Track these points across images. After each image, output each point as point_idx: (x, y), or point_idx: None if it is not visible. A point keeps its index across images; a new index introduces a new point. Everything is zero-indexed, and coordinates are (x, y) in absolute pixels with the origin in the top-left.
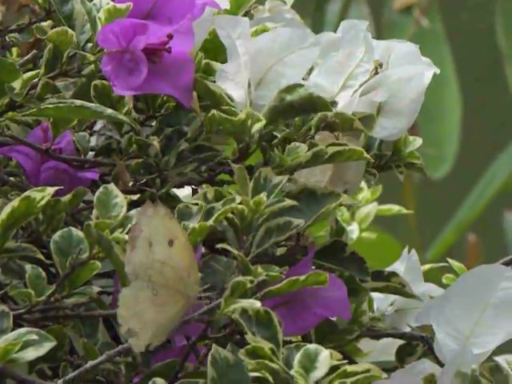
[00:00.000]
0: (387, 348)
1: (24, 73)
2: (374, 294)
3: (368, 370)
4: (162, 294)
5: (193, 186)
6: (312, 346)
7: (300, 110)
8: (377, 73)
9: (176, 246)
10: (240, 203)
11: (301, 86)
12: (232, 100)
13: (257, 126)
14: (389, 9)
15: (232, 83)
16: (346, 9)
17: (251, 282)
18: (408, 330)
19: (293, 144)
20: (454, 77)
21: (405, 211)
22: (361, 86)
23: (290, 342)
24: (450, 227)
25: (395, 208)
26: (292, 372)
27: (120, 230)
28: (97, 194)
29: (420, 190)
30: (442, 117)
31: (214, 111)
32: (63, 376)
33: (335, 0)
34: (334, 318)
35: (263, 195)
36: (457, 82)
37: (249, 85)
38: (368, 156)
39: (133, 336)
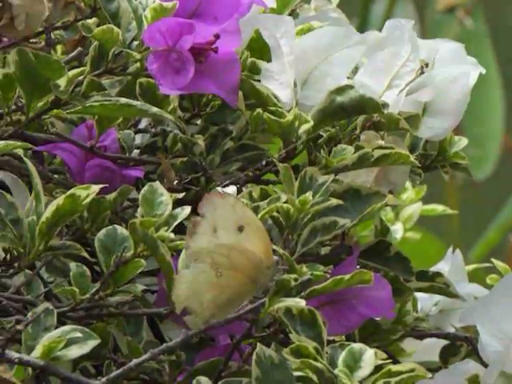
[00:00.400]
0: (431, 348)
1: (69, 70)
2: (418, 294)
3: (413, 370)
4: (228, 276)
5: (237, 186)
6: (356, 346)
7: (350, 112)
8: (422, 72)
9: (247, 231)
10: (285, 202)
11: (351, 87)
12: (278, 100)
13: (304, 127)
14: (432, 9)
15: (277, 83)
16: (391, 8)
17: (296, 280)
18: (452, 330)
19: (339, 146)
20: (498, 77)
21: (449, 211)
22: (406, 85)
23: (334, 342)
24: (492, 228)
25: (439, 208)
26: (336, 371)
27: (165, 228)
28: (142, 192)
29: (463, 190)
30: (486, 117)
31: (259, 110)
32: (107, 374)
33: (381, 0)
34: (378, 318)
35: (309, 194)
36: (500, 82)
37: (295, 84)
38: (414, 160)
39: (190, 314)
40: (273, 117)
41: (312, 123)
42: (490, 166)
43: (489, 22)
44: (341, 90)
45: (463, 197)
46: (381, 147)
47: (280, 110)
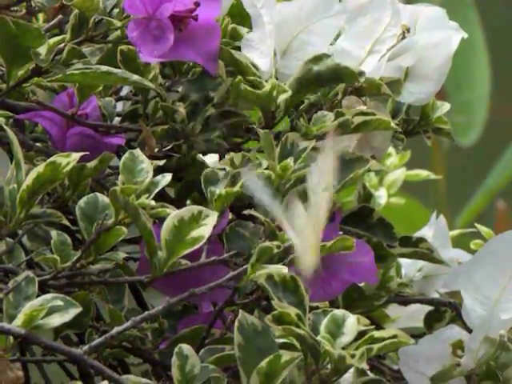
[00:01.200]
0: (415, 314)
1: (50, 38)
2: (402, 260)
3: (395, 336)
4: None
5: (219, 153)
6: (339, 312)
7: (326, 81)
8: (404, 37)
9: None
10: (266, 168)
11: (327, 56)
12: (257, 69)
13: (282, 97)
14: None
15: (257, 52)
16: None
17: (278, 247)
18: (436, 296)
19: (320, 113)
20: (483, 44)
21: (433, 177)
22: (388, 50)
23: (317, 308)
24: (479, 194)
25: (424, 173)
26: (319, 338)
27: (146, 195)
28: (122, 159)
29: (449, 157)
30: (471, 84)
31: (239, 77)
32: (89, 342)
33: None
34: (361, 284)
35: (290, 160)
36: (486, 49)
37: (274, 54)
38: (395, 126)
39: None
40: (250, 88)
41: (290, 92)
42: (476, 132)
43: None
44: (317, 59)
45: (449, 163)
46: (361, 113)
47: (259, 79)
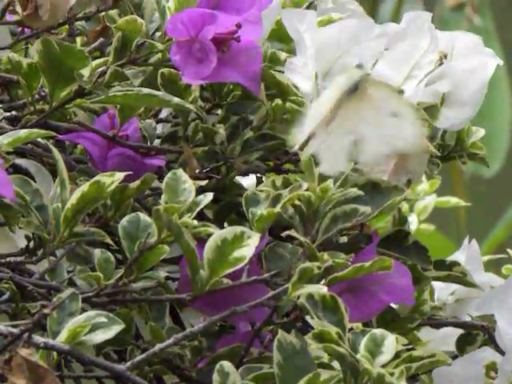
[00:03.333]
0: (447, 337)
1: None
2: (435, 283)
3: (434, 355)
4: None
5: (258, 175)
6: (378, 331)
7: None
8: (441, 63)
9: None
10: (307, 190)
11: (368, 75)
12: (299, 90)
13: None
14: (441, 6)
15: (300, 76)
16: (399, 8)
17: (318, 268)
18: (468, 319)
19: None
20: (505, 75)
21: (463, 203)
22: (425, 76)
23: (352, 329)
24: (500, 225)
25: (453, 200)
26: (358, 356)
27: (189, 214)
28: (166, 179)
29: (470, 187)
30: (493, 115)
31: (278, 100)
32: (131, 359)
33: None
34: (396, 307)
35: (330, 182)
36: (508, 80)
37: (316, 76)
38: (433, 149)
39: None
40: (295, 106)
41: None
42: (497, 162)
43: (496, 19)
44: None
45: (471, 194)
46: None
47: (300, 98)
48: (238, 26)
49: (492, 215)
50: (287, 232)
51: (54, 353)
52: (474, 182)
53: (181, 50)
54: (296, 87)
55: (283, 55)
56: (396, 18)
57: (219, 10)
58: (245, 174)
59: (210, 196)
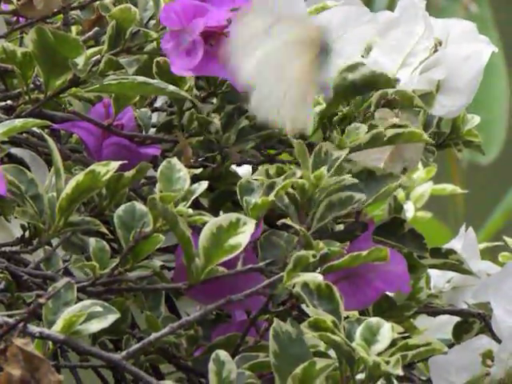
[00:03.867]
0: (443, 325)
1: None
2: (431, 271)
3: (429, 344)
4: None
5: (253, 165)
6: (374, 320)
7: (362, 89)
8: (436, 51)
9: None
10: (301, 178)
11: (362, 64)
12: None
13: (316, 109)
14: None
15: None
16: None
17: (314, 256)
18: (465, 307)
19: (353, 125)
20: (503, 63)
21: (459, 191)
22: (420, 63)
23: (348, 318)
24: (497, 212)
25: (449, 188)
26: (354, 344)
27: (184, 203)
28: (160, 167)
29: (467, 174)
30: (490, 102)
31: None
32: (126, 348)
33: None
34: (392, 294)
35: (324, 169)
36: (505, 68)
37: None
38: (427, 138)
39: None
40: None
41: (324, 105)
42: (494, 150)
43: (493, 6)
44: (352, 68)
45: (468, 181)
46: (394, 126)
47: None
48: (229, 21)
49: (489, 203)
50: (282, 220)
51: (50, 342)
52: (471, 170)
53: (172, 40)
54: None
55: None
56: (392, 6)
57: (213, 2)
58: (239, 164)
59: (204, 184)
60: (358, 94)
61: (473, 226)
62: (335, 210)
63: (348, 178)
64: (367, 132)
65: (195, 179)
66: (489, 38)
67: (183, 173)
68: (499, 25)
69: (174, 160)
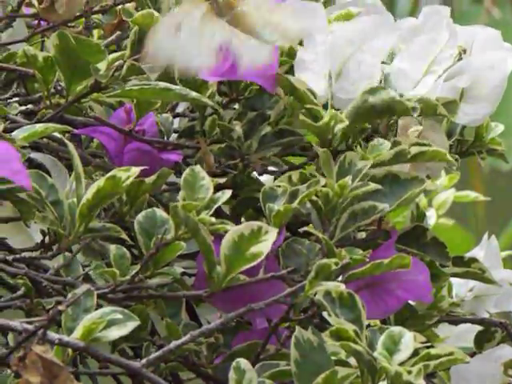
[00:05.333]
0: (465, 334)
1: (107, 54)
2: (453, 280)
3: (452, 353)
4: None
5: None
6: (396, 329)
7: (381, 113)
8: (460, 59)
9: None
10: (324, 186)
11: (382, 88)
12: (314, 96)
13: (339, 127)
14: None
15: (310, 72)
16: (417, 1)
17: (336, 264)
18: (487, 316)
19: (376, 140)
20: None
21: (482, 198)
22: (444, 71)
23: (370, 326)
24: None
25: (472, 195)
26: (376, 354)
27: (206, 211)
28: (184, 175)
29: (488, 180)
30: (510, 109)
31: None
32: (146, 356)
33: None
34: (413, 303)
35: (348, 179)
36: None
37: (329, 77)
38: (450, 158)
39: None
40: (308, 120)
41: (347, 123)
42: None
43: None
44: (373, 91)
45: (489, 187)
46: (417, 144)
47: (316, 108)
48: None
49: (510, 209)
50: (305, 228)
51: (69, 349)
52: (492, 176)
53: None
54: (312, 93)
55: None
56: (415, 8)
57: None
58: (261, 174)
59: (227, 193)
60: (377, 118)
61: (493, 232)
62: (358, 219)
63: (372, 186)
64: (391, 148)
65: (217, 186)
66: (511, 42)
67: (206, 181)
68: None
69: (198, 168)
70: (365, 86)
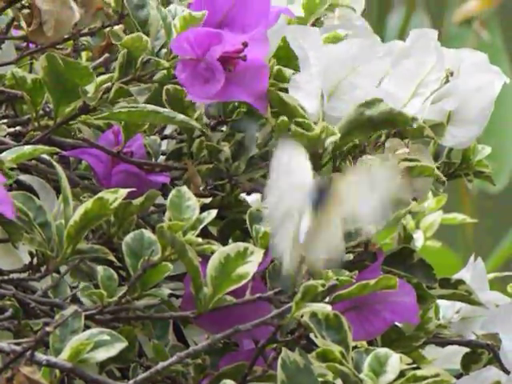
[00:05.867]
0: (452, 356)
1: (96, 76)
2: (440, 302)
3: (438, 375)
4: None
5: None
6: (382, 350)
7: (378, 125)
8: (447, 81)
9: None
10: None
11: (380, 100)
12: (305, 111)
13: (331, 140)
14: (449, 22)
15: (304, 93)
16: (407, 21)
17: (323, 285)
18: (473, 337)
19: (364, 157)
20: None
21: (469, 220)
22: (432, 93)
23: (356, 348)
24: (507, 240)
25: (460, 217)
26: (362, 375)
27: (192, 232)
28: (170, 196)
29: (477, 202)
30: (501, 130)
31: (283, 118)
32: (133, 377)
33: (396, 12)
34: (400, 325)
35: None
36: None
37: (322, 96)
38: (439, 173)
39: None
40: (300, 129)
41: (338, 135)
42: (505, 178)
43: (504, 34)
44: (370, 104)
45: (478, 209)
46: (406, 159)
47: (307, 121)
48: (245, 44)
49: (498, 231)
50: None
51: (57, 370)
52: (481, 198)
53: (186, 69)
54: (303, 108)
55: (289, 72)
56: (404, 31)
57: (225, 27)
58: (249, 193)
59: (213, 213)
60: (373, 130)
61: (481, 253)
62: (345, 240)
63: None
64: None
65: (204, 208)
66: (500, 65)
67: (192, 201)
68: (510, 52)
69: (184, 188)
70: (360, 99)
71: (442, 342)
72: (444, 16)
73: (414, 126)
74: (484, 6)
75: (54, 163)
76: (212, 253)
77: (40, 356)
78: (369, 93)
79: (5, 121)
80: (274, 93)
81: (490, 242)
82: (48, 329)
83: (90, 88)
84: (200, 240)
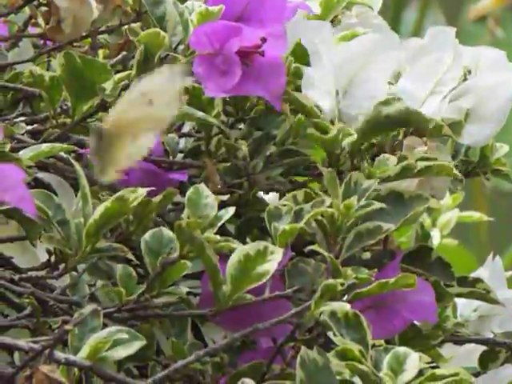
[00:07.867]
0: (469, 354)
1: (113, 74)
2: (458, 300)
3: (457, 374)
4: None
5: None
6: (401, 349)
7: (395, 124)
8: (465, 79)
9: None
10: (330, 206)
11: (398, 99)
12: (321, 112)
13: (348, 140)
14: (463, 19)
15: (318, 90)
16: (421, 19)
17: (342, 284)
18: (491, 336)
19: (382, 156)
20: None
21: (485, 218)
22: (449, 91)
23: (375, 346)
24: None
25: (476, 215)
26: (381, 374)
27: (211, 229)
28: (188, 194)
29: (492, 201)
30: None
31: (301, 116)
32: (152, 375)
33: (411, 9)
34: (418, 323)
35: (354, 199)
36: None
37: (336, 93)
38: (457, 172)
39: None
40: (317, 133)
41: (355, 136)
42: None
43: None
44: (387, 102)
45: (492, 207)
46: (423, 158)
47: (323, 122)
48: (263, 40)
49: None
50: (310, 247)
51: (75, 369)
52: (495, 196)
53: (204, 63)
54: (318, 108)
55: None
56: (419, 28)
57: (242, 21)
58: (267, 191)
59: (231, 210)
60: (390, 129)
61: (497, 252)
62: (364, 239)
63: (376, 205)
64: (397, 163)
65: (222, 205)
66: None
67: (211, 199)
68: None
69: (202, 186)
70: (377, 100)
71: (460, 341)
72: (458, 13)
73: (431, 125)
74: (498, 3)
75: (73, 161)
76: (230, 251)
77: (59, 354)
78: (384, 90)
79: (22, 119)
80: (290, 94)
81: (504, 240)
82: (67, 327)
83: (108, 85)
84: (218, 238)
